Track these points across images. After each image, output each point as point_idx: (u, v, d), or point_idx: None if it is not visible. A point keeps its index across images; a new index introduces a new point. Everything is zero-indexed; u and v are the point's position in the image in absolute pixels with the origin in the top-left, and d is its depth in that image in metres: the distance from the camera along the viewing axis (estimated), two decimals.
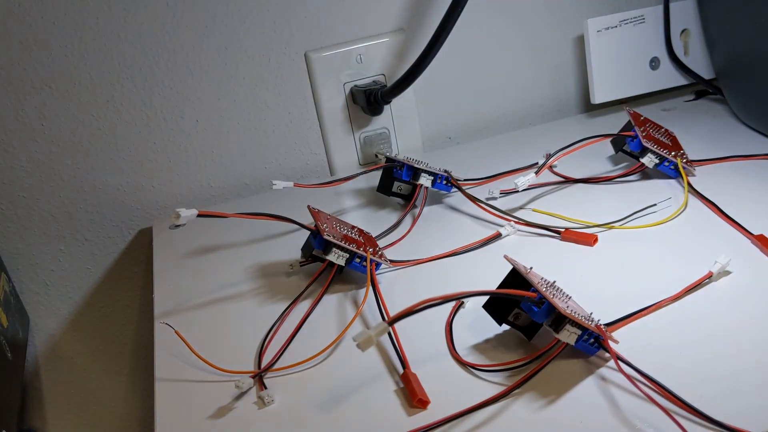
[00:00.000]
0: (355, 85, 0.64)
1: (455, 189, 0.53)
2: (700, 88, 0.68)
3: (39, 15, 0.56)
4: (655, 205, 0.48)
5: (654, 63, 0.67)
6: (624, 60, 0.66)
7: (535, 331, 0.36)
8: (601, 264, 0.43)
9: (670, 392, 0.31)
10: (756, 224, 0.43)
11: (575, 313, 0.34)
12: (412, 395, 0.34)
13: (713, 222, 0.45)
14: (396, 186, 0.53)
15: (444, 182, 0.53)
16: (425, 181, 0.52)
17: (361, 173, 0.53)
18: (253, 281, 0.48)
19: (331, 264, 0.44)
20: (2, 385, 0.51)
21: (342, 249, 0.43)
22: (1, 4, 0.55)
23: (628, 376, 0.32)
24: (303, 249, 0.47)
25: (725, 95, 0.63)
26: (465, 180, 0.55)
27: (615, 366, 0.33)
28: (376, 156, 0.66)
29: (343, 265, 0.44)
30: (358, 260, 0.44)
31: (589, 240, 0.45)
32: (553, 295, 0.34)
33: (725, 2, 0.59)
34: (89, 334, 0.66)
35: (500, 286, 0.36)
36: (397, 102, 0.64)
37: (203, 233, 0.57)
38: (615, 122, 0.60)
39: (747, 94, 0.60)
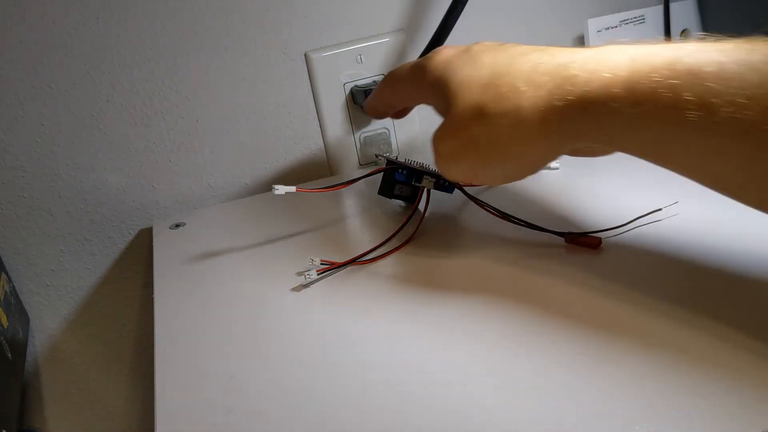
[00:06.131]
0: (355, 85, 0.64)
1: (457, 190, 0.53)
2: None
3: (39, 15, 0.56)
4: (660, 210, 0.47)
5: None
6: None
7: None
8: (607, 268, 0.43)
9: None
10: (758, 224, 0.43)
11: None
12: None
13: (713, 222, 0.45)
14: (397, 188, 0.53)
15: (446, 183, 0.53)
16: (428, 183, 0.52)
17: (364, 176, 0.53)
18: (254, 281, 0.48)
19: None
20: (2, 385, 0.51)
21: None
22: (1, 4, 0.55)
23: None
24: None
25: None
26: None
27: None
28: (376, 156, 0.66)
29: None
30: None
31: (594, 243, 0.44)
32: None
33: (725, 2, 0.59)
34: (89, 334, 0.66)
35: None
36: None
37: (204, 233, 0.57)
38: None
39: None
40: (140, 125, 0.61)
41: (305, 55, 0.63)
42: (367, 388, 0.35)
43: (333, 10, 0.63)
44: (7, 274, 0.60)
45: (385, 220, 0.54)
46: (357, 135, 0.66)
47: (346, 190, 0.60)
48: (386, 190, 0.53)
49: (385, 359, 0.37)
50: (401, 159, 0.53)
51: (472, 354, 0.37)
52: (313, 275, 0.45)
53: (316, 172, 0.67)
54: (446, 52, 0.42)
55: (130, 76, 0.59)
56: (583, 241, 0.45)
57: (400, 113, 0.53)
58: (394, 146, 0.67)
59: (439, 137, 0.41)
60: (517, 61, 0.38)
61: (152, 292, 0.49)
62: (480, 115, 0.37)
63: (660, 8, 0.66)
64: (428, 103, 0.43)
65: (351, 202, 0.59)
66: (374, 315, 0.41)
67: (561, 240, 0.46)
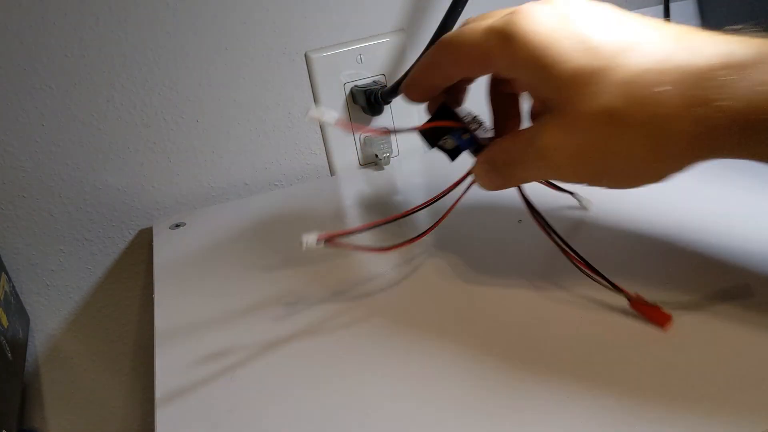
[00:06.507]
0: (355, 85, 0.64)
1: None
2: None
3: (39, 15, 0.56)
4: None
5: None
6: None
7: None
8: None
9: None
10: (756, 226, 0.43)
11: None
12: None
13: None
14: (442, 140, 0.42)
15: None
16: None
17: (408, 213, 0.43)
18: (255, 280, 0.48)
19: None
20: (2, 385, 0.51)
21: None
22: (1, 4, 0.55)
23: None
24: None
25: None
26: None
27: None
28: (376, 156, 0.66)
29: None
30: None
31: (662, 321, 0.35)
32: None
33: (725, 2, 0.59)
34: (89, 334, 0.66)
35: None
36: (397, 102, 0.64)
37: (204, 233, 0.57)
38: None
39: None
40: (140, 125, 0.61)
41: (305, 55, 0.63)
42: (368, 389, 0.35)
43: (333, 10, 0.63)
44: (7, 274, 0.60)
45: (391, 227, 0.53)
46: (357, 135, 0.66)
47: (346, 188, 0.60)
48: (432, 136, 0.42)
49: (386, 359, 0.37)
50: (467, 112, 0.43)
51: (470, 354, 0.37)
52: (313, 241, 0.37)
53: (316, 173, 0.67)
54: (539, 18, 0.33)
55: (130, 76, 0.59)
56: (649, 314, 0.36)
57: (450, 96, 0.43)
58: (394, 146, 0.67)
59: (551, 133, 0.34)
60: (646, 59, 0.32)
61: (152, 292, 0.49)
62: (613, 122, 0.32)
63: (660, 8, 0.66)
64: (512, 76, 0.36)
65: (351, 202, 0.59)
66: (375, 313, 0.41)
67: (624, 300, 0.37)
